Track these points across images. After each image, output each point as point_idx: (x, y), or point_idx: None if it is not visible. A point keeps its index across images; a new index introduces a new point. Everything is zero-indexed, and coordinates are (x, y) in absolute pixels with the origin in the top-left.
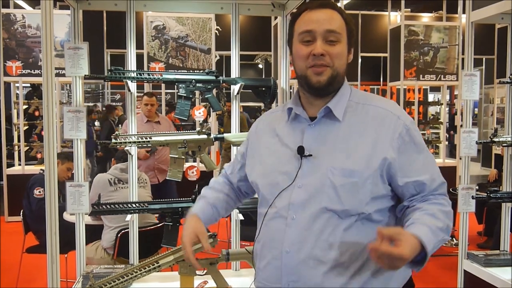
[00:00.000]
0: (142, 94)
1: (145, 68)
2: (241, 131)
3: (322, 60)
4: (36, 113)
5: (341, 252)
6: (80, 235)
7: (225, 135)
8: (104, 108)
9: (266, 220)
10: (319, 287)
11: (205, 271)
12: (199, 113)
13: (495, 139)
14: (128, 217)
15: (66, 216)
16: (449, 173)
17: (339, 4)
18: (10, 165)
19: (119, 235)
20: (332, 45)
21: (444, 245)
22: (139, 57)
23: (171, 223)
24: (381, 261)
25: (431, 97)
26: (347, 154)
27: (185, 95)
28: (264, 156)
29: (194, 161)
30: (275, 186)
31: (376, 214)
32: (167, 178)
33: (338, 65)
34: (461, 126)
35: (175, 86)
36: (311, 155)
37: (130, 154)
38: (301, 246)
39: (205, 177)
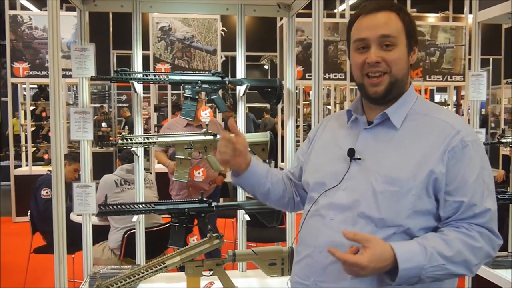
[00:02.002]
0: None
1: (151, 69)
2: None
3: (378, 67)
4: (43, 114)
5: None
6: (87, 235)
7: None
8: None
9: (307, 217)
10: None
11: (212, 272)
12: (205, 114)
13: (503, 140)
14: (135, 217)
15: (73, 217)
16: None
17: (344, 6)
18: (17, 166)
19: (125, 235)
20: (388, 50)
21: None
22: (145, 58)
23: (177, 224)
24: (343, 266)
25: (437, 97)
26: (396, 162)
27: (191, 96)
28: (317, 155)
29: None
30: (321, 184)
31: (419, 232)
32: (173, 179)
33: (396, 70)
34: None
35: (181, 87)
36: (360, 158)
37: (136, 155)
38: (334, 248)
39: None
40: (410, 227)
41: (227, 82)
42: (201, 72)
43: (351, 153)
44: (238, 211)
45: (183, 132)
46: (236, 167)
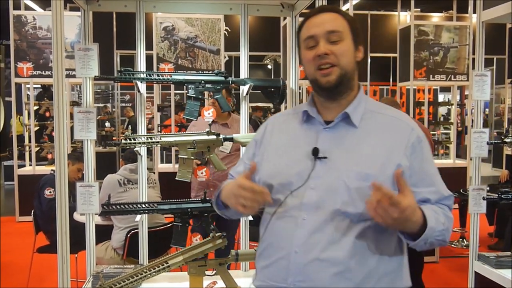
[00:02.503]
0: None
1: (155, 69)
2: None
3: (327, 59)
4: (47, 114)
5: (350, 256)
6: (90, 235)
7: (234, 135)
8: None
9: (273, 219)
10: None
11: (215, 271)
12: (208, 114)
13: (507, 140)
14: (138, 217)
15: (76, 216)
16: (459, 174)
17: (347, 5)
18: (21, 165)
19: (128, 235)
20: (335, 44)
21: (455, 246)
22: (149, 58)
23: (180, 224)
24: (377, 207)
25: (441, 97)
26: (363, 158)
27: (194, 95)
28: (275, 156)
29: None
30: (287, 185)
31: None
32: (176, 178)
33: (345, 63)
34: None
35: (184, 87)
36: (325, 157)
37: (139, 154)
38: (311, 247)
39: None
40: None
41: (230, 82)
42: (204, 72)
43: (315, 152)
44: None
45: (185, 132)
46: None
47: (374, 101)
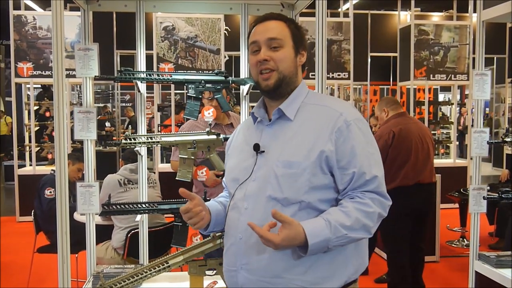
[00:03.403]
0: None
1: (155, 69)
2: None
3: (267, 65)
4: (47, 114)
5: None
6: (91, 235)
7: None
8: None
9: (228, 210)
10: (264, 269)
11: (215, 271)
12: (208, 114)
13: (507, 139)
14: (138, 217)
15: (77, 216)
16: (460, 174)
17: (347, 5)
18: (21, 165)
19: (129, 235)
20: (275, 51)
21: (455, 246)
22: (149, 58)
23: (180, 223)
24: (260, 238)
25: (441, 96)
26: (293, 148)
27: (194, 95)
28: (233, 156)
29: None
30: (235, 180)
31: (320, 204)
32: (176, 178)
33: (284, 68)
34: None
35: (185, 86)
36: (263, 151)
37: (140, 154)
38: (251, 232)
39: None
40: (310, 201)
41: (230, 82)
42: (204, 71)
43: (256, 147)
44: None
45: (186, 132)
46: (206, 223)
47: (319, 95)
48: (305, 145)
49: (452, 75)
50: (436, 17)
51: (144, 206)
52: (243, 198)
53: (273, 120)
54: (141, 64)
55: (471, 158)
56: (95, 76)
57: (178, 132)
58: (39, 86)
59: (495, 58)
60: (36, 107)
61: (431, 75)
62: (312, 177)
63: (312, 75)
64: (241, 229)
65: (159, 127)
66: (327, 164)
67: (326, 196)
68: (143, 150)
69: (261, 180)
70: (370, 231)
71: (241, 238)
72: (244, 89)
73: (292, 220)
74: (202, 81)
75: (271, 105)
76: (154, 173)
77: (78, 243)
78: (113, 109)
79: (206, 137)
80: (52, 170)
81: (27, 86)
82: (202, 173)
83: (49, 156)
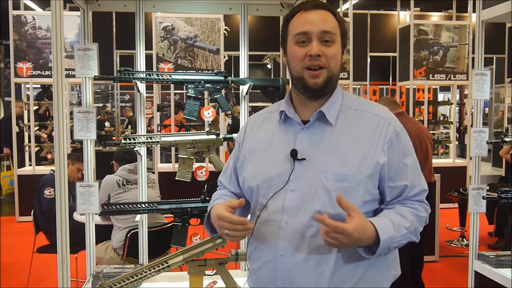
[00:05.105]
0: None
1: (154, 69)
2: None
3: (318, 61)
4: (47, 114)
5: (334, 255)
6: (90, 235)
7: (234, 135)
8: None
9: (258, 223)
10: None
11: (214, 271)
12: (208, 114)
13: (506, 139)
14: (138, 217)
15: (76, 216)
16: (459, 173)
17: (347, 5)
18: (21, 165)
19: (128, 235)
20: (327, 46)
21: (455, 245)
22: (148, 58)
23: (180, 223)
24: (327, 237)
25: (440, 96)
26: (340, 158)
27: (194, 95)
28: (257, 157)
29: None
30: (267, 188)
31: (366, 216)
32: (176, 178)
33: (333, 66)
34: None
35: (184, 86)
36: (304, 158)
37: (139, 154)
38: (296, 249)
39: (214, 178)
40: None
41: (230, 82)
42: (204, 71)
43: (294, 154)
44: None
45: (185, 132)
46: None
47: (353, 97)
48: (356, 156)
49: (452, 75)
50: (435, 17)
51: (143, 206)
52: (281, 211)
53: (311, 122)
54: (141, 64)
55: (471, 158)
56: (95, 76)
57: (177, 132)
58: (39, 86)
59: (494, 58)
60: (35, 107)
61: (431, 75)
62: (365, 192)
63: None
64: (282, 245)
65: (159, 127)
66: (379, 177)
67: (372, 208)
68: (142, 150)
69: (304, 192)
70: (418, 236)
71: (283, 255)
72: (244, 89)
73: (358, 209)
74: (202, 81)
75: (306, 105)
76: (153, 173)
77: (77, 243)
78: (113, 109)
79: (205, 137)
80: (51, 170)
81: (27, 86)
82: (202, 173)
83: (49, 156)
